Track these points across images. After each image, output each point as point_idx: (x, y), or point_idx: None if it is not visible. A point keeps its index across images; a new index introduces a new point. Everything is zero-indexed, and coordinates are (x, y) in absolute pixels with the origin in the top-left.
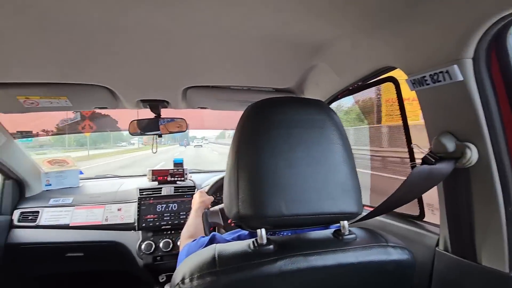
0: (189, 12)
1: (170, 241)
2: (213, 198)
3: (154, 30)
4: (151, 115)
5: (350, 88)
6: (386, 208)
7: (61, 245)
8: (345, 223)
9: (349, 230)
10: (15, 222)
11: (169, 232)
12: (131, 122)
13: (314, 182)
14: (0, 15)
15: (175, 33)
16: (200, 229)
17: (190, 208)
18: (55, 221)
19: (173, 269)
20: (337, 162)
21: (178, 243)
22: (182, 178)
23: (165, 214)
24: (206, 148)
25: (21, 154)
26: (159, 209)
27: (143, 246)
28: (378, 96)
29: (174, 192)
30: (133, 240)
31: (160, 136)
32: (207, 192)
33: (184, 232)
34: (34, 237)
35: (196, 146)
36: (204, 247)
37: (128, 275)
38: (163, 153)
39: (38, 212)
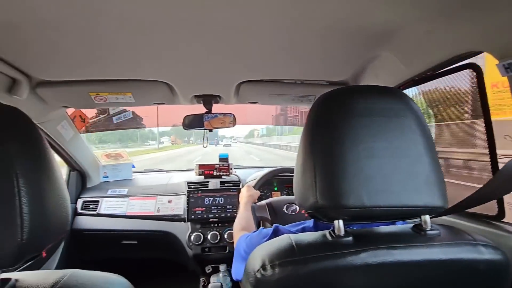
0: (254, 6)
1: (218, 233)
2: (259, 192)
3: (215, 25)
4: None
5: (416, 78)
6: (468, 204)
7: (118, 232)
8: (427, 217)
9: (431, 226)
10: (79, 210)
11: (216, 225)
12: (184, 117)
13: (398, 174)
14: (77, 18)
15: (236, 27)
16: (251, 222)
17: (235, 202)
18: (113, 210)
19: (219, 260)
20: (420, 153)
21: (225, 236)
22: (227, 173)
23: (212, 207)
24: (236, 147)
25: (85, 147)
26: (206, 202)
27: (192, 237)
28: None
29: (220, 186)
30: (182, 231)
31: (210, 131)
32: (253, 187)
33: (236, 225)
34: (94, 224)
35: (225, 145)
36: (268, 238)
37: (176, 265)
38: (188, 154)
39: (98, 201)
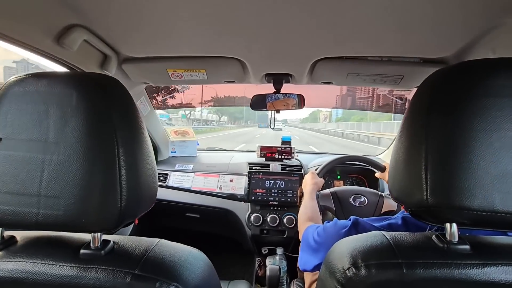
0: None
1: (277, 217)
2: (324, 180)
3: None
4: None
5: None
6: None
7: (183, 205)
8: None
9: None
10: None
11: (275, 208)
12: (252, 97)
13: None
14: None
15: None
16: (318, 213)
17: (296, 188)
18: (179, 184)
19: (276, 243)
20: None
21: (284, 220)
22: (289, 157)
23: (272, 190)
24: (287, 132)
25: (158, 123)
26: (267, 184)
27: (252, 218)
28: None
29: (281, 169)
30: (242, 211)
31: (278, 112)
32: (317, 174)
33: (302, 214)
34: (164, 195)
35: (276, 129)
36: (347, 231)
37: (232, 242)
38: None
39: (167, 174)
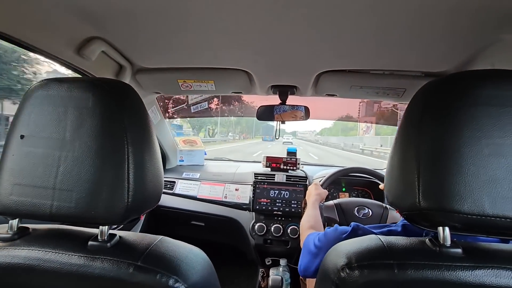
0: None
1: (281, 227)
2: (327, 191)
3: (299, 8)
4: None
5: None
6: None
7: (189, 212)
8: None
9: None
10: None
11: (280, 218)
12: (258, 108)
13: None
14: (179, 4)
15: (323, 9)
16: (320, 222)
17: (301, 198)
18: (186, 192)
19: (280, 254)
20: None
21: (288, 231)
22: (294, 168)
23: (277, 200)
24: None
25: (168, 132)
26: (272, 194)
27: (256, 227)
28: None
29: (286, 180)
30: (247, 220)
31: (283, 123)
32: (321, 185)
33: (304, 222)
34: (170, 202)
35: (286, 143)
36: (347, 236)
37: (236, 252)
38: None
39: (174, 182)
